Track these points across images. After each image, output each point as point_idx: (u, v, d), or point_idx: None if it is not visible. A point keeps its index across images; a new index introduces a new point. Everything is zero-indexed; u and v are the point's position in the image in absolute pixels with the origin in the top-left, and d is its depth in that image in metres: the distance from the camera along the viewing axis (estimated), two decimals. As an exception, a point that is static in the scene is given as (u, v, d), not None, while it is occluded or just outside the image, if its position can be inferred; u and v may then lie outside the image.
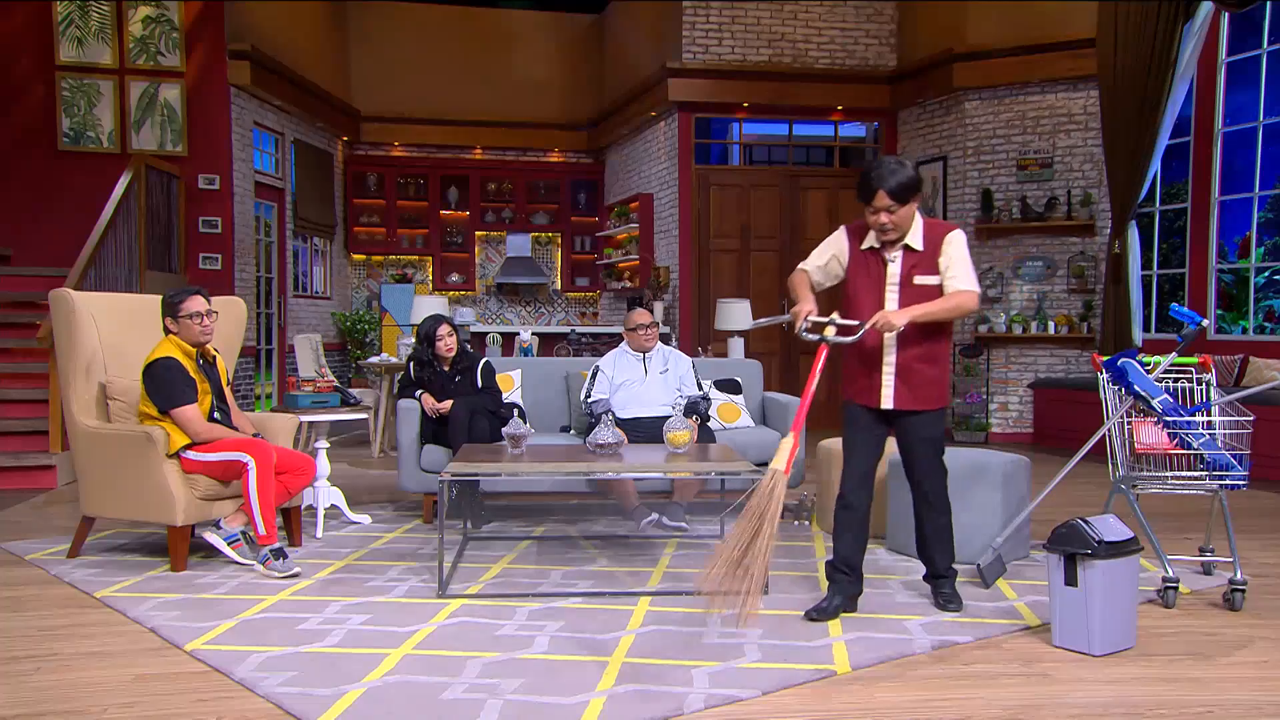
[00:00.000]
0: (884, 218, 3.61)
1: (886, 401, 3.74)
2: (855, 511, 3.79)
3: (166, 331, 4.56)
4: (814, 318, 3.66)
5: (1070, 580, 3.38)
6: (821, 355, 3.64)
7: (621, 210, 12.02)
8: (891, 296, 3.70)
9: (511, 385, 5.97)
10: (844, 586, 3.79)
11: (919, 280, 3.68)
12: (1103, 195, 9.16)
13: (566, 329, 10.58)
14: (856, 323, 3.66)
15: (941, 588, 3.91)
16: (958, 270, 3.66)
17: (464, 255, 13.21)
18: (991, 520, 4.53)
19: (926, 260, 3.69)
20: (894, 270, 3.70)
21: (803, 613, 3.73)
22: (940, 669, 3.25)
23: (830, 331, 3.65)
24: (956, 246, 3.69)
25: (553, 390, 6.10)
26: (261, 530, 4.37)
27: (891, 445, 4.69)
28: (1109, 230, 8.95)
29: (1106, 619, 3.35)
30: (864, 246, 3.75)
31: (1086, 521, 3.41)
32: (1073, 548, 3.37)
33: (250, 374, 9.60)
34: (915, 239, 3.69)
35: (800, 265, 3.88)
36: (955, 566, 3.99)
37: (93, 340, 4.69)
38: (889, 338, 3.69)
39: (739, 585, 3.14)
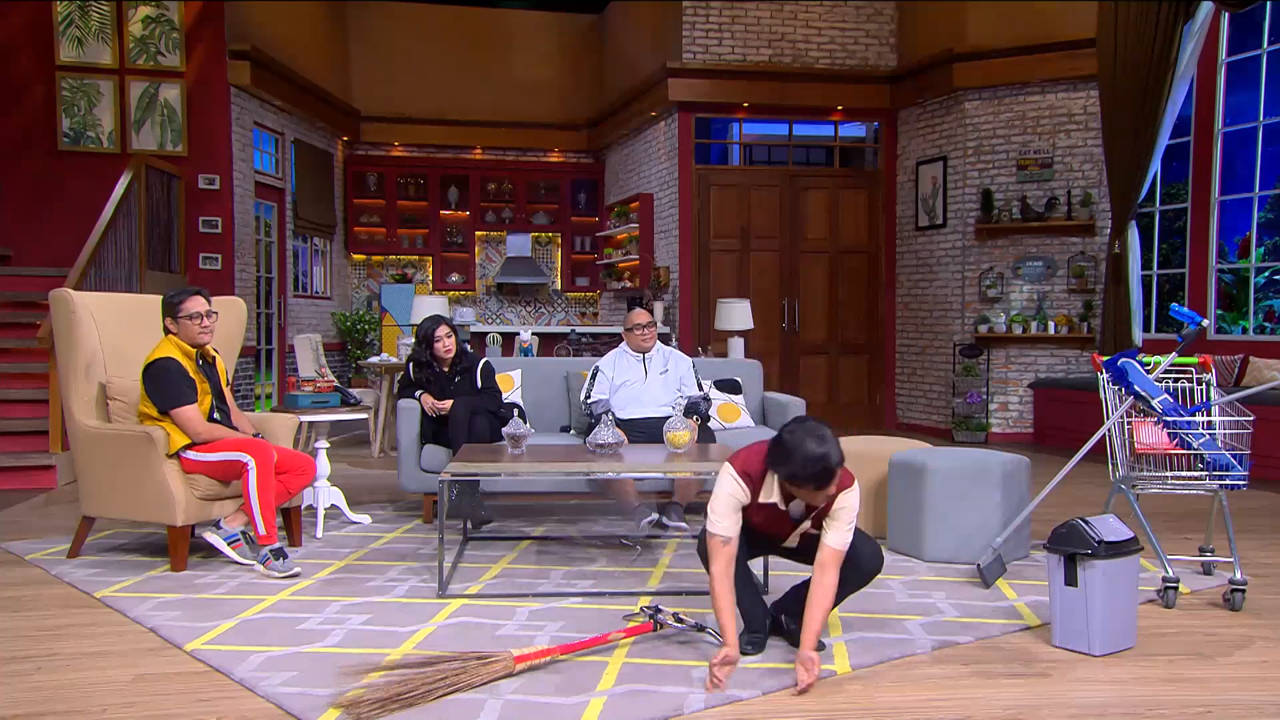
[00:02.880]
0: (820, 500, 3.20)
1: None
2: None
3: (166, 332, 4.56)
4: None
5: (1070, 580, 3.38)
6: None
7: (621, 210, 12.02)
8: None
9: (511, 385, 5.97)
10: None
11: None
12: (1103, 195, 9.16)
13: (566, 329, 10.58)
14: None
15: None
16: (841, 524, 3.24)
17: (464, 255, 13.21)
18: (991, 520, 4.54)
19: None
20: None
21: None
22: (940, 669, 3.25)
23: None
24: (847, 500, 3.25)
25: (553, 390, 6.09)
26: (261, 530, 4.37)
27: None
28: (1109, 230, 8.95)
29: (1106, 619, 3.35)
30: (763, 501, 3.27)
31: (1086, 521, 3.41)
32: (1073, 548, 3.37)
33: (250, 374, 9.60)
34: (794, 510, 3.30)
35: (718, 534, 3.23)
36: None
37: (93, 340, 4.68)
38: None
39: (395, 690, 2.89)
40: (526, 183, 13.27)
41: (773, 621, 3.54)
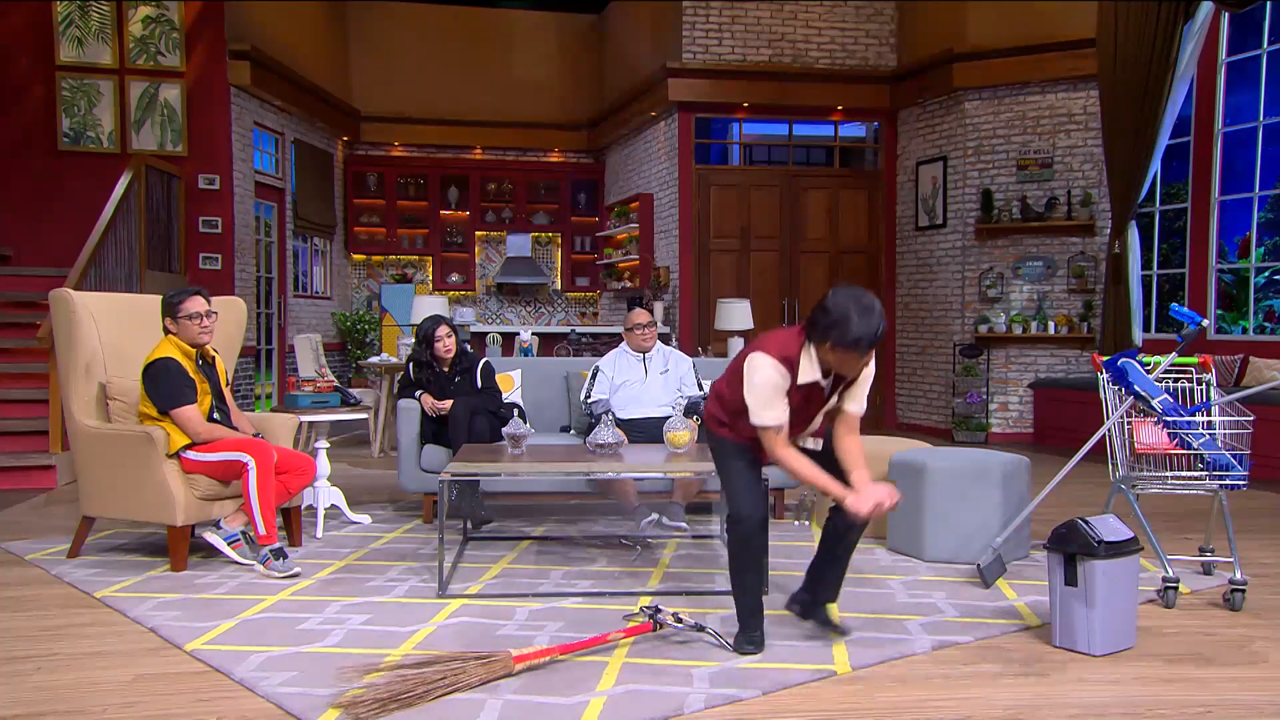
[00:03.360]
0: (858, 369, 3.27)
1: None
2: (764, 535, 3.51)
3: (166, 332, 4.56)
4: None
5: (1070, 580, 3.38)
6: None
7: (621, 210, 12.02)
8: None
9: (511, 385, 5.97)
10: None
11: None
12: (1103, 195, 9.16)
13: (566, 329, 10.58)
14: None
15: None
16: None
17: (464, 255, 13.21)
18: (991, 520, 4.53)
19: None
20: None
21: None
22: (940, 669, 3.25)
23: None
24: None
25: (553, 390, 6.09)
26: (261, 530, 4.37)
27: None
28: (1109, 230, 8.95)
29: (1106, 619, 3.35)
30: (803, 381, 3.27)
31: (1086, 521, 3.41)
32: (1073, 548, 3.37)
33: (250, 374, 9.60)
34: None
35: (772, 425, 3.27)
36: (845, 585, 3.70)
37: (93, 340, 4.68)
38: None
39: (394, 689, 2.89)
40: (526, 183, 13.27)
41: (800, 612, 3.63)
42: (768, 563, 3.53)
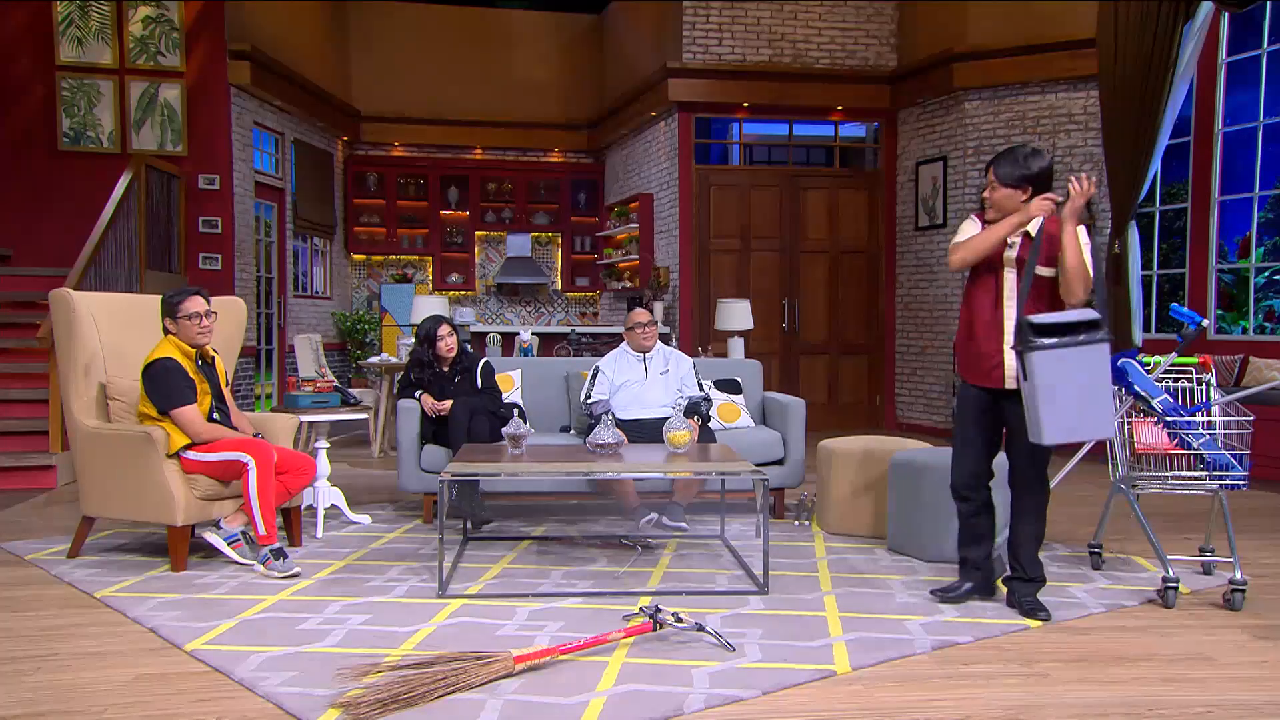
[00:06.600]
0: (986, 192, 3.83)
1: (1009, 381, 3.75)
2: (973, 504, 3.85)
3: (166, 332, 4.57)
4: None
5: (1025, 376, 3.50)
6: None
7: (621, 210, 12.02)
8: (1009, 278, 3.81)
9: (511, 385, 5.97)
10: (975, 577, 3.92)
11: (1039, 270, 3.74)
12: (1103, 195, 9.15)
13: (566, 329, 10.58)
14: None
15: (1024, 594, 3.84)
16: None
17: (464, 255, 13.21)
18: (991, 520, 4.53)
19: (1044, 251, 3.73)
20: (1010, 255, 3.80)
21: (929, 591, 3.99)
22: (940, 669, 3.25)
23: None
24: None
25: (553, 390, 6.10)
26: (261, 530, 4.37)
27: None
28: (1109, 230, 8.94)
29: (1054, 409, 3.44)
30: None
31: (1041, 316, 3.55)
32: (1019, 346, 3.50)
33: (250, 374, 9.60)
34: (1031, 226, 3.76)
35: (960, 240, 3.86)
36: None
37: (93, 340, 4.69)
38: (1010, 311, 3.74)
39: (391, 691, 2.88)
40: (526, 183, 13.27)
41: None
42: (991, 523, 3.91)
